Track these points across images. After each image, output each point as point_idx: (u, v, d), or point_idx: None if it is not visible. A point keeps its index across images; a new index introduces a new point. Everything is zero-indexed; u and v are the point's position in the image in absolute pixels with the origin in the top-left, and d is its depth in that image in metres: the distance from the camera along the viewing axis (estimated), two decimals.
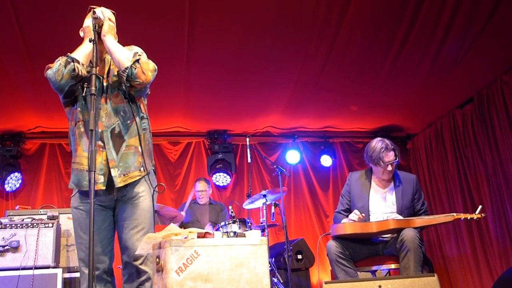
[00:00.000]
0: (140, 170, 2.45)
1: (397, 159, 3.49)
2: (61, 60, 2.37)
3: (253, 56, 4.58)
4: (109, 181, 2.40)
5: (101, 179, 2.38)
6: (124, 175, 2.40)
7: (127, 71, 2.36)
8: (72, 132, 2.51)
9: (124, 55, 2.41)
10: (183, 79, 4.85)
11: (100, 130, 2.42)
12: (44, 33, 3.99)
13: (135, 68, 2.36)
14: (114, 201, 2.48)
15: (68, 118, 2.55)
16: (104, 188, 2.39)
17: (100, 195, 2.43)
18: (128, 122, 2.47)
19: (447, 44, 4.39)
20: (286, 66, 4.78)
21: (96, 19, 2.37)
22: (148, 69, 2.40)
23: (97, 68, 2.43)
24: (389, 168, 3.47)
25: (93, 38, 2.32)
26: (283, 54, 4.56)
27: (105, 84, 2.48)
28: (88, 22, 2.48)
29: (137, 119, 2.50)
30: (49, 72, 2.40)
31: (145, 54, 2.52)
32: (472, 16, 4.01)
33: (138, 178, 2.45)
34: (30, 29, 3.91)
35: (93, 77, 2.22)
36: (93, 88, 2.19)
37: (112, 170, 2.39)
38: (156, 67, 2.50)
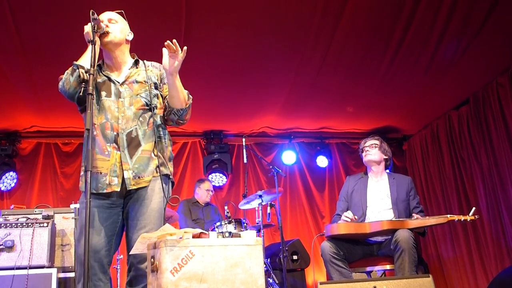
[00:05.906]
0: (153, 174, 2.46)
1: (379, 144, 3.70)
2: (68, 70, 2.42)
3: (249, 56, 4.58)
4: (122, 182, 2.41)
5: (115, 181, 2.39)
6: (138, 177, 2.41)
7: (181, 112, 2.56)
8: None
9: (183, 96, 2.57)
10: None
11: (115, 133, 2.43)
12: (40, 33, 3.97)
13: (186, 111, 2.59)
14: (123, 198, 2.47)
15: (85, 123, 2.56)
16: (119, 190, 2.39)
17: (112, 196, 2.42)
18: (146, 128, 2.50)
19: (443, 46, 4.40)
20: (282, 67, 4.78)
21: (95, 20, 2.36)
22: (190, 112, 2.65)
23: (114, 73, 2.55)
24: (369, 151, 3.69)
25: (91, 39, 2.32)
26: (279, 55, 4.56)
27: (121, 89, 2.50)
28: (87, 27, 2.43)
29: (155, 127, 2.52)
30: (60, 84, 2.45)
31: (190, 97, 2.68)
32: (468, 18, 4.03)
33: (150, 180, 2.45)
34: (26, 28, 3.90)
35: (91, 77, 2.22)
36: (90, 87, 2.20)
37: (125, 172, 2.39)
38: None
